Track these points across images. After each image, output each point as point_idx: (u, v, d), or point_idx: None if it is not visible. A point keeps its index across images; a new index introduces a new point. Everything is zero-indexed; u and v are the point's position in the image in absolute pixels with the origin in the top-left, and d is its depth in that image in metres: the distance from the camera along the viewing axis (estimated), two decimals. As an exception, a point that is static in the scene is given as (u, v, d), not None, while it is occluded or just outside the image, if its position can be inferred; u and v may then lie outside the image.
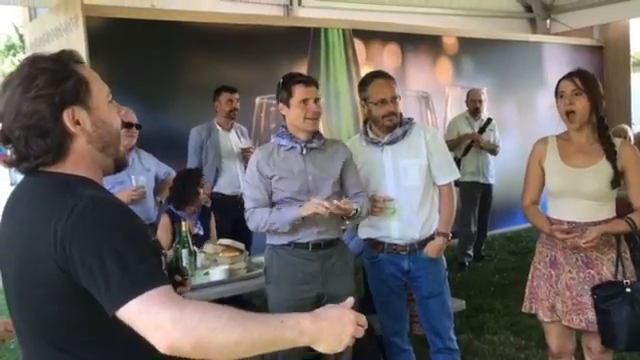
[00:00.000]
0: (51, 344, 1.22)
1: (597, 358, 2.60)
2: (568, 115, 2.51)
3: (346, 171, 2.74)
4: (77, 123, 1.25)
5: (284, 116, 2.69)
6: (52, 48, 4.92)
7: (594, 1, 7.59)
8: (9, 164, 1.28)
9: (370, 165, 2.88)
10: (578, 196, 2.49)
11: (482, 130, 5.68)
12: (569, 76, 2.54)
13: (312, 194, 2.61)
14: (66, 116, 1.23)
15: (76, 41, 4.32)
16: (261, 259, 3.12)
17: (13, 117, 1.22)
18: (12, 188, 1.32)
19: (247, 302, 3.90)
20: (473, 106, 5.80)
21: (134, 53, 4.58)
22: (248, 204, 2.69)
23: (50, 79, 1.22)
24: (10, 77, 1.26)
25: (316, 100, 2.63)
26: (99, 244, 1.12)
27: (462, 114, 5.93)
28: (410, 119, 2.95)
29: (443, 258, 2.98)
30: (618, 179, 2.47)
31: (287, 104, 2.64)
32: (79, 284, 1.14)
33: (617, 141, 2.53)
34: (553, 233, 2.51)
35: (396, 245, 2.87)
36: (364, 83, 2.90)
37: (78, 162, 1.27)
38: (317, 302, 2.67)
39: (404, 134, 2.86)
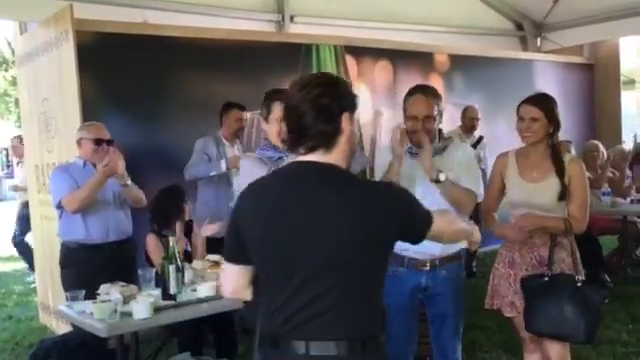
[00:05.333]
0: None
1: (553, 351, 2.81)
2: (524, 136, 2.83)
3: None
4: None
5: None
6: (42, 62, 4.94)
7: (584, 20, 7.64)
8: None
9: (402, 174, 2.77)
10: (532, 208, 2.78)
11: (473, 147, 5.68)
12: (529, 101, 2.85)
13: None
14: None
15: (66, 55, 4.31)
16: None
17: None
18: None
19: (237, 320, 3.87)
20: (470, 124, 5.81)
21: (125, 68, 4.56)
22: None
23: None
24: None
25: None
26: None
27: (454, 131, 5.93)
28: (450, 137, 3.03)
29: (462, 277, 2.90)
30: (565, 193, 2.76)
31: (266, 120, 2.69)
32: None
33: (567, 157, 2.84)
34: (505, 233, 2.85)
35: (416, 260, 2.78)
36: (408, 94, 2.86)
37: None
38: None
39: (443, 149, 2.80)
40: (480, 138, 5.73)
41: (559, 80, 7.69)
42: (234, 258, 1.76)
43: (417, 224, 1.72)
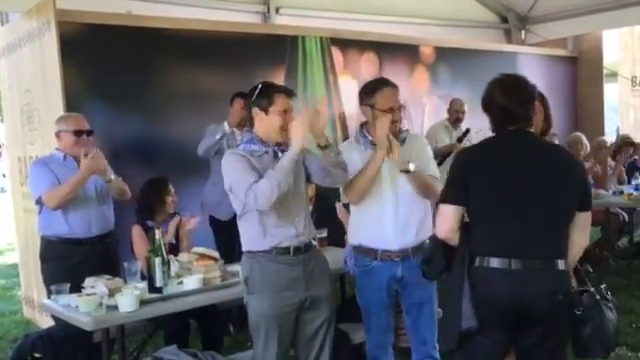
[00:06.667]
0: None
1: None
2: None
3: (308, 159, 2.74)
4: None
5: (253, 122, 2.68)
6: (24, 54, 4.87)
7: (568, 13, 7.70)
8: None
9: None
10: None
11: (460, 140, 5.71)
12: None
13: (291, 194, 2.63)
14: None
15: (49, 47, 4.25)
16: (236, 268, 3.08)
17: None
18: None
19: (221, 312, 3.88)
20: (455, 116, 5.84)
21: (108, 59, 4.50)
22: (243, 186, 2.54)
23: None
24: None
25: (291, 112, 2.65)
26: None
27: (441, 122, 5.95)
28: (407, 129, 3.02)
29: None
30: None
31: (266, 111, 2.63)
32: None
33: None
34: None
35: (390, 252, 2.82)
36: (371, 89, 2.88)
37: None
38: (300, 307, 2.67)
39: (403, 141, 2.88)
40: (467, 130, 5.76)
41: (543, 73, 7.74)
42: (454, 199, 2.28)
43: None
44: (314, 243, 2.88)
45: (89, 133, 3.58)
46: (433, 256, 2.43)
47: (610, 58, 9.53)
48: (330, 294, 2.80)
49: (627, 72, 10.33)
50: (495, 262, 2.20)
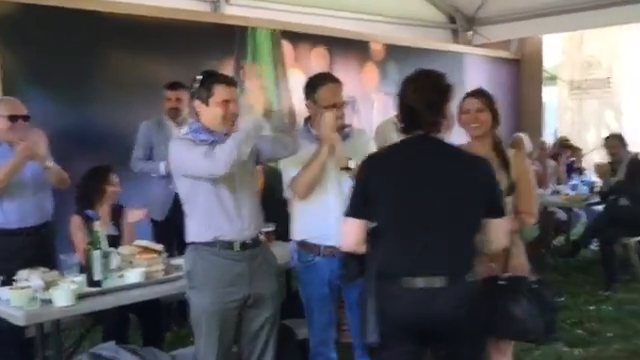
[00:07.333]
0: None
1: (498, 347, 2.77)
2: (473, 127, 2.78)
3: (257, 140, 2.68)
4: None
5: (197, 113, 2.62)
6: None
7: (511, 16, 7.89)
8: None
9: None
10: None
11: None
12: (473, 95, 2.84)
13: (238, 184, 2.58)
14: None
15: (-16, 26, 4.03)
16: (180, 261, 3.00)
17: None
18: None
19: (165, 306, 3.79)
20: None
21: (49, 43, 4.31)
22: (199, 154, 2.45)
23: None
24: None
25: (234, 101, 2.60)
26: None
27: (390, 120, 5.96)
28: (350, 125, 3.01)
29: None
30: (512, 188, 2.72)
31: (205, 102, 2.57)
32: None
33: (510, 152, 2.83)
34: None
35: (333, 247, 2.79)
36: (314, 85, 2.86)
37: None
38: (244, 304, 2.62)
39: (347, 136, 2.88)
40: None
41: (487, 73, 7.93)
42: (357, 212, 2.19)
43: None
44: (262, 238, 2.83)
45: (25, 118, 3.41)
46: (347, 262, 2.38)
47: (551, 62, 9.85)
48: (275, 292, 2.76)
49: (566, 76, 10.71)
50: (398, 279, 2.09)
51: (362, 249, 2.22)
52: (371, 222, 2.19)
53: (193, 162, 2.49)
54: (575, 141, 8.02)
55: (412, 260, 2.09)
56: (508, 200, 2.70)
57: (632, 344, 3.98)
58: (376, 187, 2.15)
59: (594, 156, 8.28)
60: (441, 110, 2.17)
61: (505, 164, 2.74)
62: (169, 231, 4.04)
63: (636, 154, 5.85)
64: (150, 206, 4.40)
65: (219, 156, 2.41)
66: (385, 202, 2.14)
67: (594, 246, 6.03)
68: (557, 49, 9.80)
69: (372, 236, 2.19)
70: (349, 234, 2.23)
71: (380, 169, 2.20)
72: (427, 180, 2.14)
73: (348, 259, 2.36)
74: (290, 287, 3.85)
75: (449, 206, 2.12)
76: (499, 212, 2.23)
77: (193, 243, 2.63)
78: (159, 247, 3.25)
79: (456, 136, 2.84)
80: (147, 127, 4.38)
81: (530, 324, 2.53)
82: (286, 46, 5.87)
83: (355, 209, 2.21)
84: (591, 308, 4.71)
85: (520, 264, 2.74)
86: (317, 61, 6.10)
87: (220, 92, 2.55)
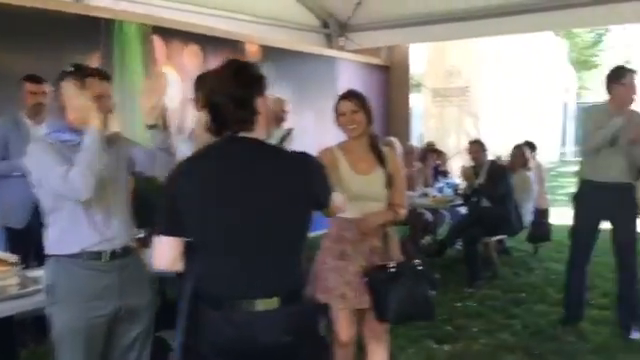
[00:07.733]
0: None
1: (376, 334, 2.97)
2: (351, 129, 2.92)
3: (132, 149, 2.56)
4: None
5: (63, 109, 2.37)
6: None
7: (381, 24, 8.19)
8: None
9: None
10: (366, 199, 2.89)
11: (283, 139, 5.73)
12: (346, 97, 2.96)
13: (110, 194, 2.41)
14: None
15: None
16: (38, 273, 2.73)
17: None
18: None
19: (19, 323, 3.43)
20: (279, 116, 5.84)
21: None
22: (57, 175, 2.22)
23: None
24: None
25: (108, 97, 2.41)
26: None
27: (263, 121, 5.93)
28: None
29: None
30: (389, 182, 2.94)
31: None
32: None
33: (385, 149, 3.03)
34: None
35: None
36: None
37: None
38: (114, 317, 2.43)
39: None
40: (289, 130, 5.81)
41: (359, 79, 8.13)
42: (168, 230, 1.87)
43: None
44: (133, 245, 2.64)
45: None
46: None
47: (418, 70, 10.37)
48: (150, 303, 2.59)
49: (430, 84, 11.34)
50: (215, 305, 1.81)
51: (179, 267, 1.90)
52: (186, 238, 1.88)
53: (55, 183, 2.26)
54: (439, 145, 8.52)
55: (233, 282, 1.82)
56: (387, 194, 2.94)
57: (496, 338, 4.21)
58: (185, 200, 1.82)
59: (456, 160, 8.85)
60: (249, 105, 1.85)
61: (381, 160, 2.94)
62: (26, 240, 3.68)
63: (495, 159, 6.31)
64: (5, 212, 3.97)
65: (77, 186, 2.22)
66: (196, 216, 1.82)
67: (458, 245, 6.39)
68: (423, 58, 10.35)
69: (188, 251, 1.89)
70: (161, 255, 1.88)
71: (187, 180, 1.84)
72: (241, 189, 1.82)
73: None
74: (165, 295, 3.65)
75: (268, 218, 1.83)
76: (325, 205, 2.01)
77: (55, 255, 2.38)
78: (13, 258, 2.92)
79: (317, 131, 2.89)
80: (1, 124, 3.96)
81: (419, 307, 2.77)
82: (157, 42, 5.60)
83: (165, 226, 1.87)
84: (458, 305, 4.93)
85: (396, 253, 2.95)
86: (190, 59, 5.89)
87: (92, 86, 2.34)
